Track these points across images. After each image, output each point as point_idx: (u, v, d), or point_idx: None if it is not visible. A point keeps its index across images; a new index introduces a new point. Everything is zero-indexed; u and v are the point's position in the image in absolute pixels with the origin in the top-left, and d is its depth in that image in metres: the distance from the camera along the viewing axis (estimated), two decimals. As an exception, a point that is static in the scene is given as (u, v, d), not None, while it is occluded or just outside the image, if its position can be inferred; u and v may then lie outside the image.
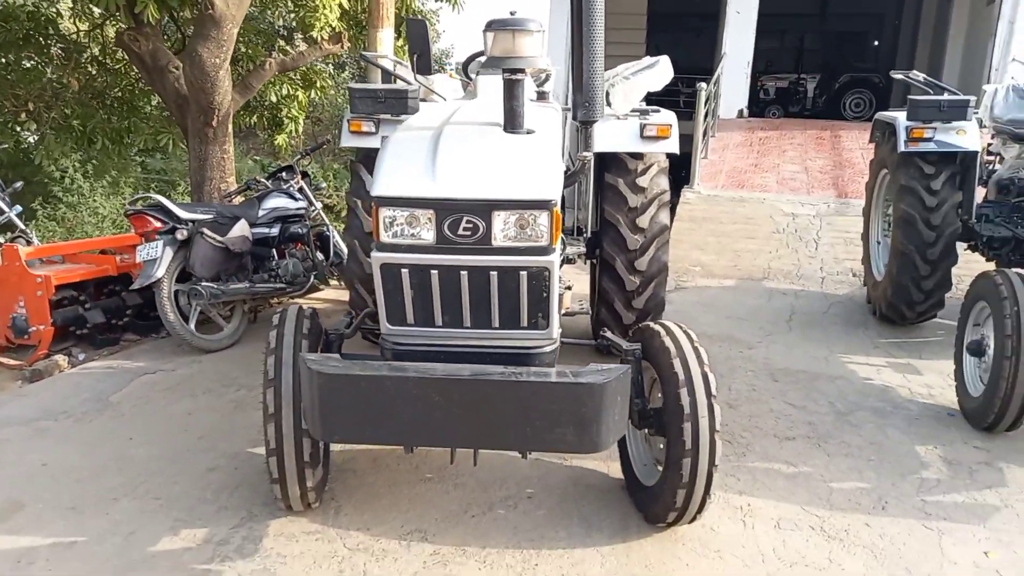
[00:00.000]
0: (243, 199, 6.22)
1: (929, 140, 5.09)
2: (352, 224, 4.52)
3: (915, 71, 5.80)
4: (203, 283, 5.08)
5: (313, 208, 6.06)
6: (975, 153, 5.20)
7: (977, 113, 5.30)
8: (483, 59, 3.12)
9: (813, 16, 20.68)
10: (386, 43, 6.62)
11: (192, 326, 5.15)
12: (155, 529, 3.09)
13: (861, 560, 2.99)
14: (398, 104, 3.86)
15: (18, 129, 9.52)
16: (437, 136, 2.72)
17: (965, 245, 5.48)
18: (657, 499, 2.99)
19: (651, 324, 3.08)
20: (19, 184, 6.68)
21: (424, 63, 3.50)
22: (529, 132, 2.73)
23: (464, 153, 2.63)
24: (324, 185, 7.99)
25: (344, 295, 6.30)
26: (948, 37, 15.16)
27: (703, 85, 9.66)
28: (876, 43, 21.91)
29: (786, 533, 3.15)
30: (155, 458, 3.70)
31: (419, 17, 5.36)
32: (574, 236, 4.54)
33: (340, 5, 7.34)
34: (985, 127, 5.59)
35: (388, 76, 4.64)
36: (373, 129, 4.24)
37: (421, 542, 3.02)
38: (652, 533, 3.09)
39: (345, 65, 17.78)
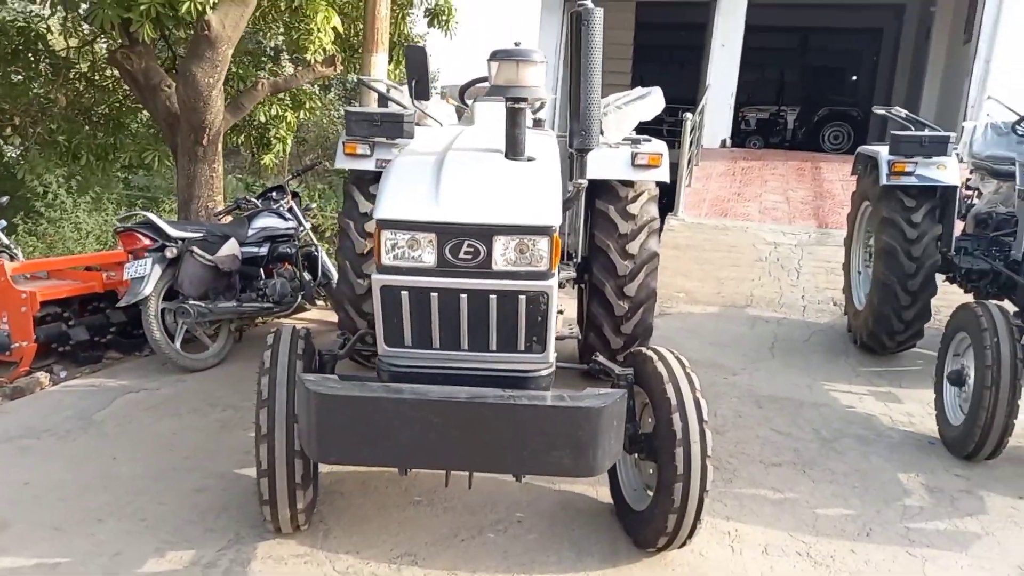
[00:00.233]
0: (232, 218, 6.21)
1: (910, 174, 5.23)
2: (344, 245, 4.54)
3: (897, 107, 5.96)
4: (191, 301, 5.05)
5: (302, 228, 6.07)
6: (955, 188, 5.34)
7: (956, 149, 5.46)
8: (480, 86, 3.18)
9: (794, 51, 21.19)
10: (380, 67, 6.69)
11: (178, 345, 5.11)
12: (141, 550, 3.05)
13: (848, 586, 3.03)
14: (394, 128, 3.92)
15: (1, 143, 9.45)
16: (440, 161, 2.76)
17: (943, 277, 5.61)
18: (648, 524, 3.01)
19: (643, 349, 3.12)
20: (4, 199, 6.63)
21: (423, 89, 3.55)
22: (530, 159, 2.78)
23: (467, 179, 2.68)
24: (313, 205, 8.00)
25: (330, 315, 6.30)
26: (925, 74, 15.57)
27: (689, 115, 9.83)
28: (855, 78, 22.47)
29: (773, 559, 3.18)
30: (140, 478, 3.66)
31: (418, 43, 5.42)
32: (564, 261, 4.59)
33: (334, 28, 7.41)
34: (964, 163, 5.74)
35: (384, 100, 4.68)
36: (368, 152, 4.28)
37: (411, 566, 3.01)
38: (642, 558, 3.10)
39: (331, 87, 17.85)
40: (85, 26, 8.06)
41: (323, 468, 3.48)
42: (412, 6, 8.64)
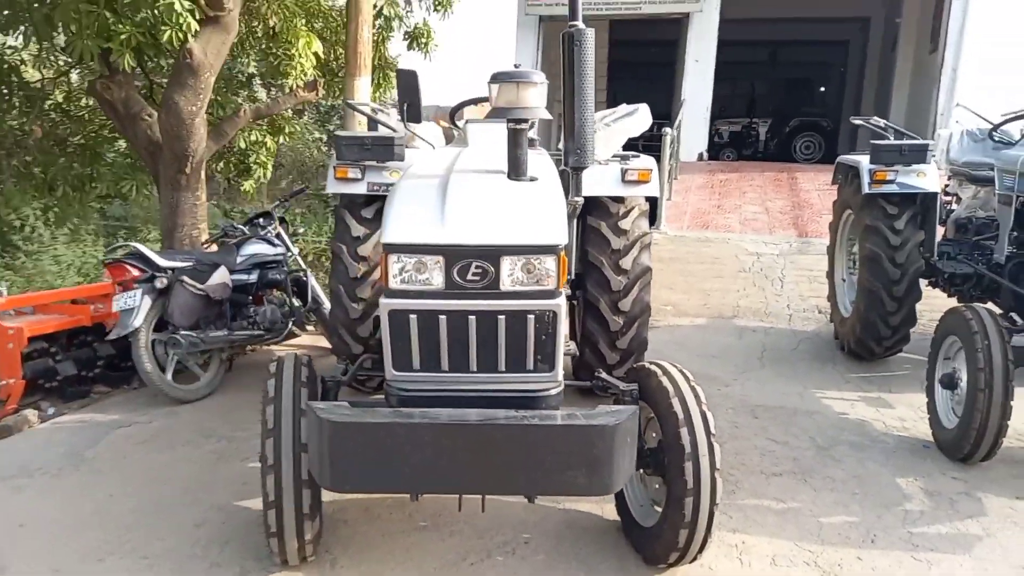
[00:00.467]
0: (220, 246, 6.16)
1: (892, 182, 5.33)
2: (337, 269, 4.52)
3: (875, 117, 6.08)
4: (182, 332, 4.99)
5: (291, 254, 6.03)
6: (935, 194, 5.44)
7: (935, 156, 5.57)
8: (475, 107, 3.20)
9: (764, 64, 21.61)
10: (363, 90, 6.70)
11: (169, 376, 5.04)
12: (146, 588, 3.00)
13: (858, 594, 3.05)
14: (384, 151, 3.93)
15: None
16: (444, 184, 2.77)
17: (927, 282, 5.71)
18: (657, 539, 3.01)
19: (646, 364, 3.14)
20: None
21: (414, 112, 3.57)
22: (532, 179, 2.80)
23: (472, 200, 2.69)
24: (302, 230, 7.96)
25: (321, 341, 6.25)
26: (893, 84, 15.93)
27: (668, 130, 9.96)
28: (823, 89, 22.94)
29: (782, 569, 3.20)
30: (137, 513, 3.59)
31: (400, 66, 5.45)
32: None
33: (315, 54, 7.42)
34: (942, 169, 5.86)
35: (374, 123, 4.69)
36: (359, 175, 4.27)
37: (422, 592, 2.98)
38: (652, 574, 3.10)
39: (304, 111, 17.83)
40: (61, 57, 7.97)
41: (326, 497, 3.43)
42: (392, 30, 8.67)
